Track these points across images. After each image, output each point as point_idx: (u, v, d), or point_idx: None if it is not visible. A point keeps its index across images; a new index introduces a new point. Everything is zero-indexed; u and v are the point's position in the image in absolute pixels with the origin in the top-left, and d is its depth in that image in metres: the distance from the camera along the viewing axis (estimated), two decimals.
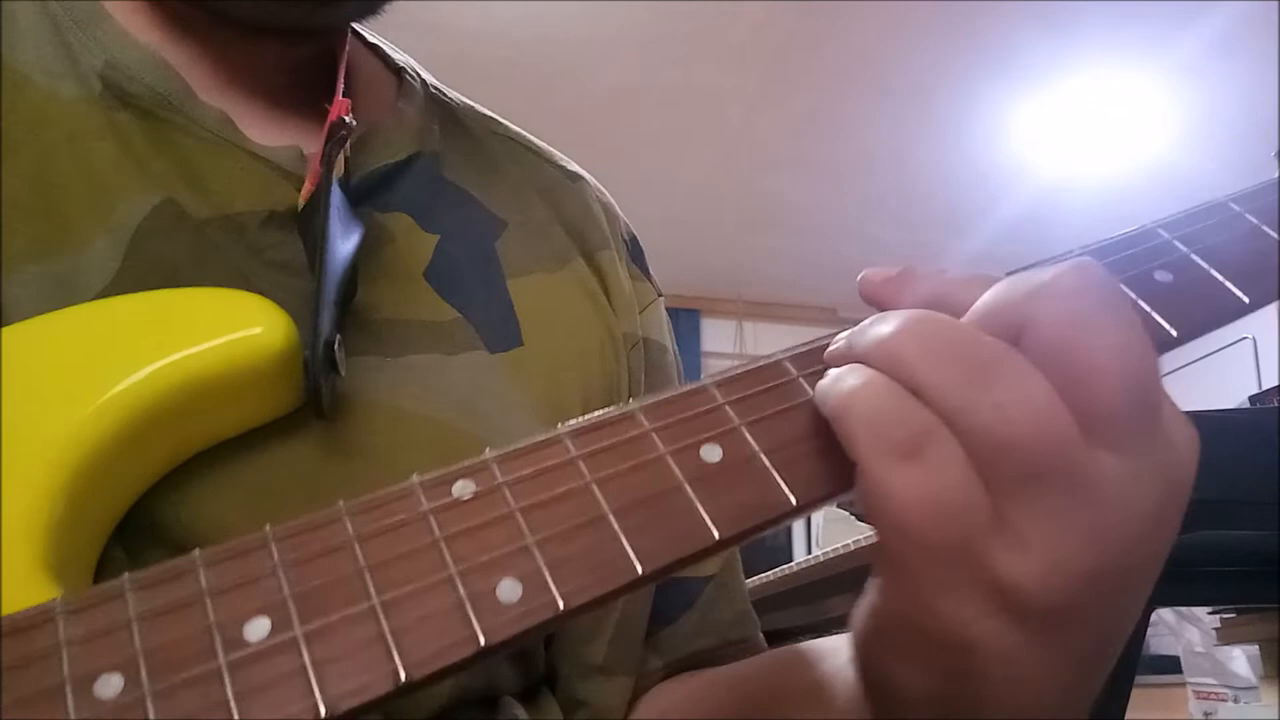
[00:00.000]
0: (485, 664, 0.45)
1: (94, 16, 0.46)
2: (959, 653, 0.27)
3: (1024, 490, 0.26)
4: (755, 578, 2.21)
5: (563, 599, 0.25)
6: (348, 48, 0.51)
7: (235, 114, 0.47)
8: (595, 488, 0.27)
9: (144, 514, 0.38)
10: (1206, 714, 2.24)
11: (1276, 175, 0.33)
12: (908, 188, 3.76)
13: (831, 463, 0.28)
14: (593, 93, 3.26)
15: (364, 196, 0.48)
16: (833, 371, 0.29)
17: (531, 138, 0.61)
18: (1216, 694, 2.27)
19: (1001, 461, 0.26)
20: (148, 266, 0.42)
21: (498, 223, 0.54)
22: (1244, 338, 3.92)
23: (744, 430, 0.28)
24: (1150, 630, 2.01)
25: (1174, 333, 0.31)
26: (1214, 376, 3.70)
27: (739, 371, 0.30)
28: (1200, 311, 0.31)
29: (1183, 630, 2.43)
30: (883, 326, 0.28)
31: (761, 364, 0.30)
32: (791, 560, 2.49)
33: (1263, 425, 1.03)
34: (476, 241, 0.52)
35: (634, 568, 0.25)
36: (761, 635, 0.57)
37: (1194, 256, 0.32)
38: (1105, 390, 0.26)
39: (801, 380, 0.30)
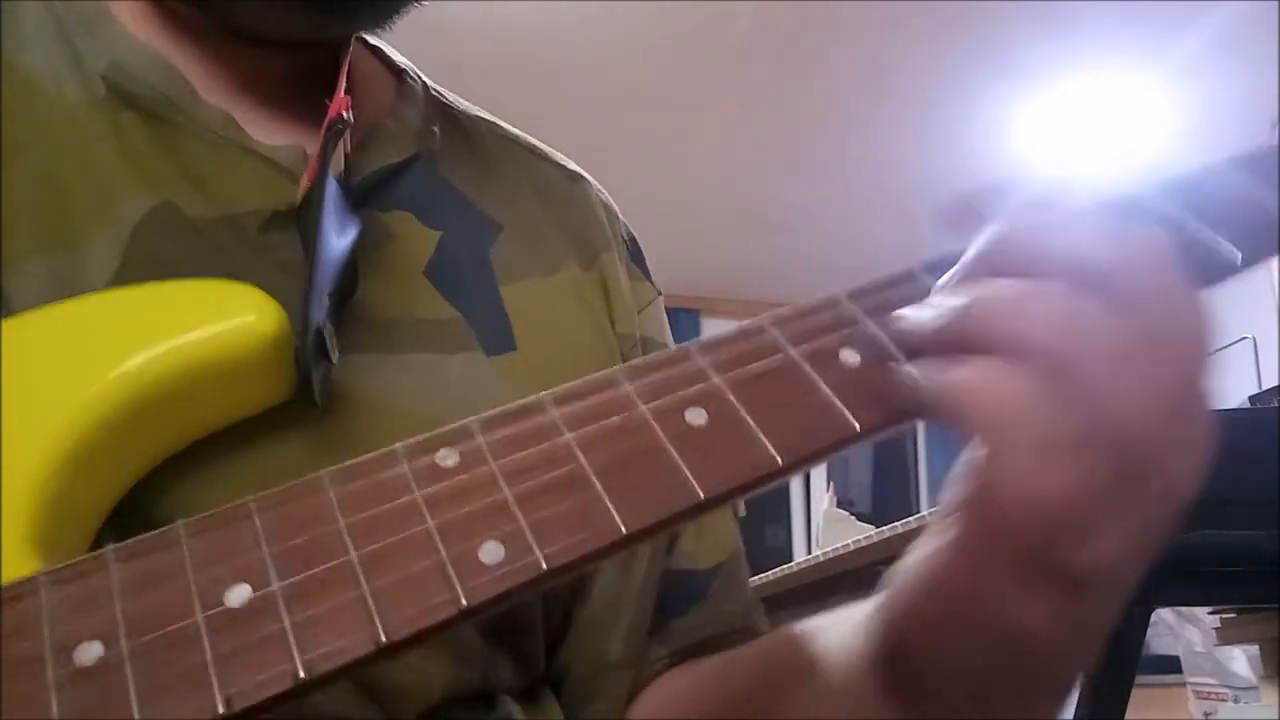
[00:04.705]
0: (481, 657, 0.45)
1: (98, 18, 0.46)
2: (1011, 637, 0.28)
3: (1137, 479, 0.26)
4: (755, 578, 2.20)
5: (545, 559, 0.24)
6: (350, 49, 0.51)
7: (238, 114, 0.47)
8: (578, 449, 0.26)
9: (137, 505, 0.38)
10: (1206, 714, 2.23)
11: (1276, 142, 0.33)
12: (908, 188, 3.76)
13: (818, 422, 0.27)
14: (592, 93, 3.27)
15: (365, 197, 0.48)
16: (964, 368, 0.27)
17: (531, 139, 0.61)
18: (1216, 694, 2.26)
19: (1130, 453, 0.26)
20: (147, 265, 0.42)
21: (493, 226, 0.54)
22: (1244, 338, 3.91)
23: (728, 392, 0.28)
24: (1150, 630, 2.01)
25: None
26: (1214, 376, 3.69)
27: (723, 335, 0.30)
28: (1191, 269, 0.31)
29: (1183, 630, 2.42)
30: (1011, 317, 0.27)
31: (744, 326, 0.30)
32: (791, 560, 2.48)
33: (1263, 425, 1.03)
34: (473, 245, 0.52)
35: (618, 528, 0.25)
36: (767, 624, 0.57)
37: (1186, 214, 0.32)
38: (1186, 366, 0.27)
39: (785, 342, 0.30)
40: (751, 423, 0.27)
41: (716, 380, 0.28)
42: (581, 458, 0.26)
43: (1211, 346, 0.28)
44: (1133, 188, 0.33)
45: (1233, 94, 3.19)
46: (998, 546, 0.27)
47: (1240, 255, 0.31)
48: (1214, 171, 0.34)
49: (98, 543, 0.37)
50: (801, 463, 0.27)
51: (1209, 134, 3.38)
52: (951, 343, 0.28)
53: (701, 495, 0.26)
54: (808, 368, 0.29)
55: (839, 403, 0.28)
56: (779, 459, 0.26)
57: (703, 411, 0.27)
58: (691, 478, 0.26)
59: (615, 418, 0.27)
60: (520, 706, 0.47)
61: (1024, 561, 0.27)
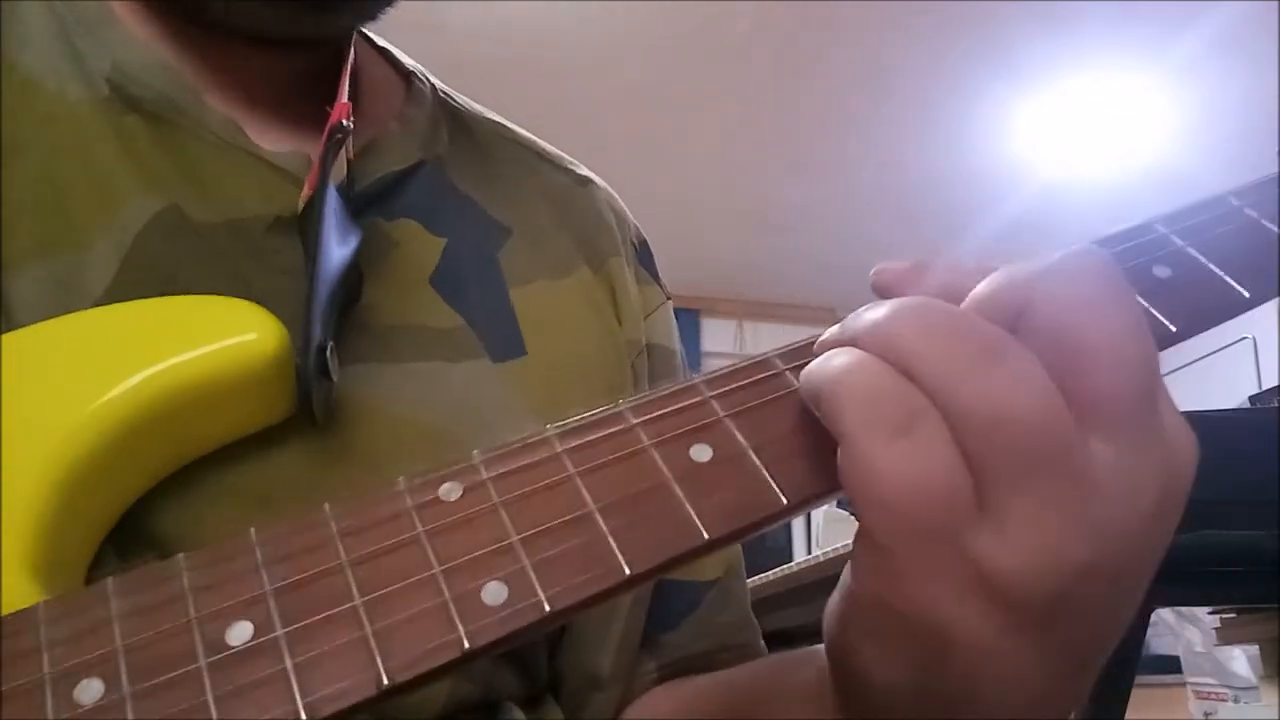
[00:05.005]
0: (483, 670, 0.45)
1: (101, 19, 0.46)
2: (934, 640, 0.26)
3: (1011, 475, 0.25)
4: (755, 578, 2.20)
5: (548, 601, 0.24)
6: (354, 51, 0.51)
7: (242, 119, 0.47)
8: (583, 488, 0.26)
9: (138, 523, 0.38)
10: (1206, 714, 2.23)
11: (1278, 170, 0.33)
12: (908, 187, 3.76)
13: (823, 460, 0.27)
14: (592, 93, 3.26)
15: (370, 203, 0.48)
16: (822, 355, 0.28)
17: (540, 142, 0.61)
18: (1216, 694, 2.26)
19: (990, 444, 0.25)
20: (148, 270, 0.42)
21: (501, 230, 0.53)
22: (1244, 338, 3.91)
23: (733, 428, 0.28)
24: (1150, 630, 2.01)
25: (1173, 328, 0.30)
26: (1214, 376, 3.70)
27: (729, 369, 0.30)
28: (1200, 307, 0.31)
29: (1183, 630, 2.42)
30: (876, 311, 0.28)
31: (752, 361, 0.30)
32: (791, 560, 2.48)
33: (1263, 425, 1.03)
34: (480, 249, 0.52)
35: (622, 569, 0.25)
36: (762, 643, 0.56)
37: (1192, 251, 0.32)
38: (1100, 373, 0.26)
39: (791, 377, 0.29)
40: (756, 460, 0.27)
41: (722, 415, 0.28)
42: (586, 495, 0.26)
43: (1150, 361, 0.27)
44: (1135, 227, 0.33)
45: (1233, 94, 3.20)
46: (882, 531, 0.26)
47: (1249, 292, 0.30)
48: (1219, 203, 0.33)
49: (97, 560, 0.37)
50: (807, 501, 0.27)
51: (1209, 134, 3.38)
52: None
53: (706, 537, 0.26)
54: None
55: None
56: (784, 498, 0.26)
57: (708, 447, 0.27)
58: (696, 519, 0.26)
59: (620, 454, 0.27)
60: (524, 711, 0.47)
61: (921, 553, 0.25)
